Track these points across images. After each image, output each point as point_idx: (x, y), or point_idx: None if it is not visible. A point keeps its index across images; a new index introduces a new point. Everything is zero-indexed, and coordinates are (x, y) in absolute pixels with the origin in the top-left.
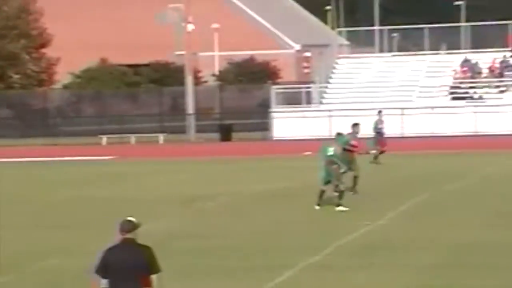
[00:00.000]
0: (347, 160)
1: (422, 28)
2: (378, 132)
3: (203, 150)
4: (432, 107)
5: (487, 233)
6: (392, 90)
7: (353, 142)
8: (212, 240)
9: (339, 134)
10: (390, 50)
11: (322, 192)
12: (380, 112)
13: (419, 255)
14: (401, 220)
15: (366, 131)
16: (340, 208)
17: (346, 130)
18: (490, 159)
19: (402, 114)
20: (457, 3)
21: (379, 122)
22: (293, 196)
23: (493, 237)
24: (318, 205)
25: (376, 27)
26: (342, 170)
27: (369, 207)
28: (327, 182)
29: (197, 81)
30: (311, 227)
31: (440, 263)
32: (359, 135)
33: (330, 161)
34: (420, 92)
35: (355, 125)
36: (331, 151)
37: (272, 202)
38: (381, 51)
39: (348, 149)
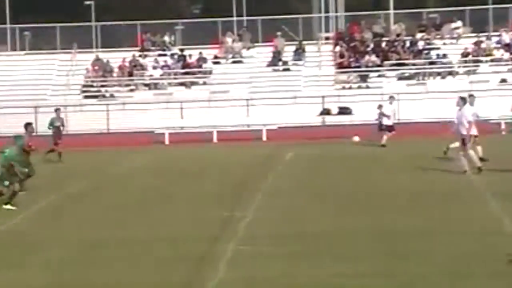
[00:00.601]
0: (25, 161)
1: (54, 27)
2: (55, 130)
3: None
4: (65, 106)
5: (122, 229)
6: (26, 89)
7: (29, 143)
8: None
9: (17, 137)
10: (23, 49)
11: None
12: (57, 110)
13: (50, 252)
14: (35, 218)
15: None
16: (9, 206)
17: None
18: (119, 157)
19: (36, 113)
20: (87, 2)
21: (55, 119)
22: None
23: (123, 234)
24: None
25: (8, 25)
26: (19, 171)
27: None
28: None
29: None
30: None
31: (69, 259)
32: (34, 134)
33: (3, 163)
34: (53, 90)
35: (28, 124)
36: (6, 152)
37: None
38: (14, 49)
39: (25, 150)
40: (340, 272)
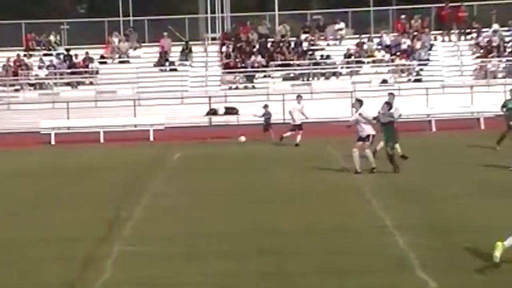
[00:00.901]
0: None
1: None
2: None
3: None
4: None
5: (3, 231)
6: None
7: None
8: None
9: None
10: None
11: None
12: None
13: None
14: None
15: None
16: None
17: None
18: (3, 157)
19: None
20: None
21: None
22: None
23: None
24: None
25: None
26: None
27: None
28: None
29: None
30: None
31: None
32: None
33: None
34: None
35: None
36: None
37: None
38: None
39: None
40: (225, 271)
